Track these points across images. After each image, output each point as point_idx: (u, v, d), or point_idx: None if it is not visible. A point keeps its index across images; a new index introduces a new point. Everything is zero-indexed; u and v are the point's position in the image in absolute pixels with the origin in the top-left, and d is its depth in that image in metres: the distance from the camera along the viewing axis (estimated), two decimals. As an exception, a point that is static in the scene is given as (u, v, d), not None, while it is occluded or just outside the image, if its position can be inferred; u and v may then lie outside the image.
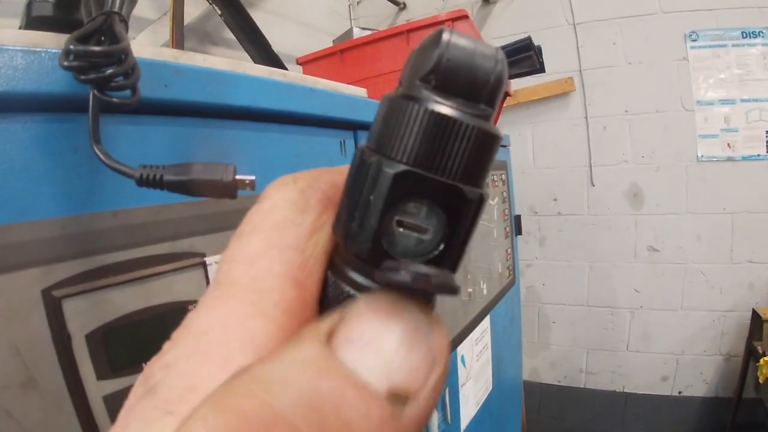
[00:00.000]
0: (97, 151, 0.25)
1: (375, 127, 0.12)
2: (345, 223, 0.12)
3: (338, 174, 0.14)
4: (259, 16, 1.58)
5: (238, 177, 0.25)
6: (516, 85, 1.83)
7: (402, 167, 0.11)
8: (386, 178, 0.11)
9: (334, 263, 0.13)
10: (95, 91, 0.25)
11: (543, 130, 2.02)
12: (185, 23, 1.44)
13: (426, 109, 0.10)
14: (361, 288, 0.12)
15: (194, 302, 0.37)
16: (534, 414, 2.11)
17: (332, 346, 0.09)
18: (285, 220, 0.13)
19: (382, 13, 2.19)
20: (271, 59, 1.52)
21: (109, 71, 0.24)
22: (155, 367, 0.11)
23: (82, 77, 0.24)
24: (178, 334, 0.12)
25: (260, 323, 0.11)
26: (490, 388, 1.04)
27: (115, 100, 0.25)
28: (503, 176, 1.13)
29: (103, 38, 0.28)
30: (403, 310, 0.10)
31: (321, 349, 0.09)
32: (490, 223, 1.02)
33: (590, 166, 1.95)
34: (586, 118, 1.94)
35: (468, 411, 0.92)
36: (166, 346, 0.12)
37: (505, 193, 1.13)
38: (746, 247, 1.78)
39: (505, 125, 1.99)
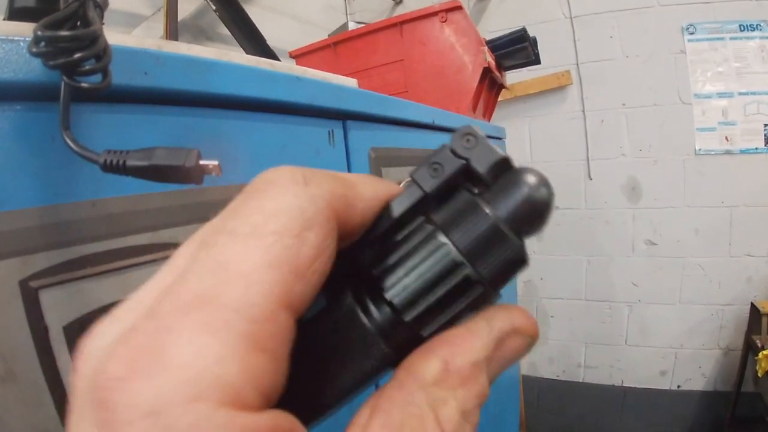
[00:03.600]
0: (65, 137, 0.25)
1: (472, 238, 0.14)
2: (414, 293, 0.14)
3: (349, 188, 0.13)
4: (254, 12, 1.57)
5: (201, 162, 0.24)
6: (512, 78, 1.82)
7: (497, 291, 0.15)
8: (477, 292, 0.14)
9: (358, 296, 0.14)
10: (64, 77, 0.24)
11: (540, 124, 2.01)
12: (179, 19, 1.43)
13: (517, 247, 0.15)
14: (381, 331, 0.14)
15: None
16: (532, 409, 2.12)
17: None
18: (290, 234, 0.11)
19: (377, 8, 2.18)
20: (267, 54, 1.51)
21: (78, 55, 0.24)
22: (136, 414, 0.09)
23: (51, 63, 0.24)
24: (146, 369, 0.09)
25: (260, 358, 0.10)
26: (486, 383, 1.04)
27: (84, 85, 0.25)
28: (499, 170, 1.12)
29: (79, 23, 0.28)
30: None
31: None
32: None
33: (588, 160, 1.94)
34: (583, 111, 1.93)
35: (463, 405, 0.91)
36: (127, 374, 0.10)
37: (500, 187, 1.13)
38: (744, 241, 1.78)
39: (502, 119, 1.98)
